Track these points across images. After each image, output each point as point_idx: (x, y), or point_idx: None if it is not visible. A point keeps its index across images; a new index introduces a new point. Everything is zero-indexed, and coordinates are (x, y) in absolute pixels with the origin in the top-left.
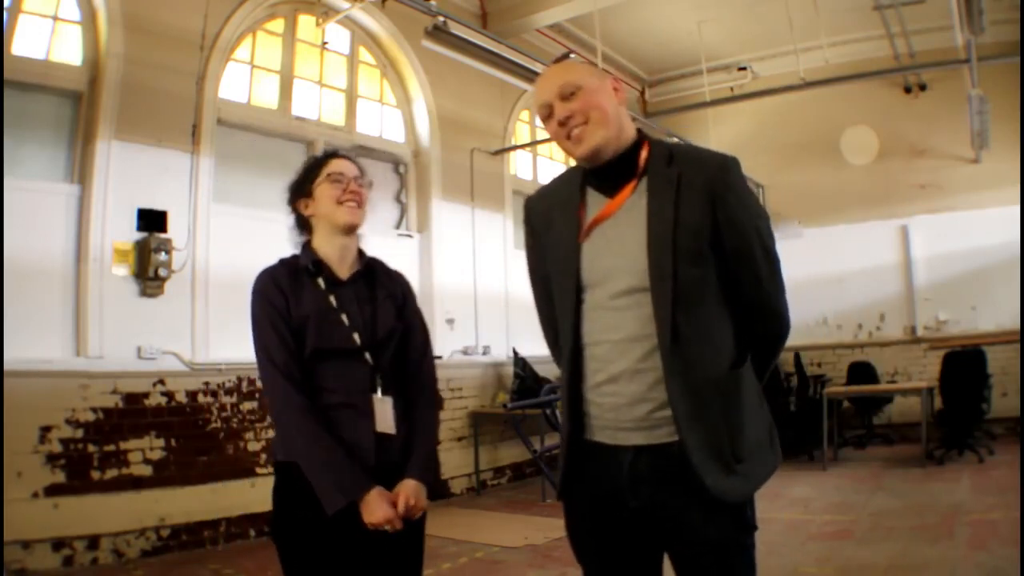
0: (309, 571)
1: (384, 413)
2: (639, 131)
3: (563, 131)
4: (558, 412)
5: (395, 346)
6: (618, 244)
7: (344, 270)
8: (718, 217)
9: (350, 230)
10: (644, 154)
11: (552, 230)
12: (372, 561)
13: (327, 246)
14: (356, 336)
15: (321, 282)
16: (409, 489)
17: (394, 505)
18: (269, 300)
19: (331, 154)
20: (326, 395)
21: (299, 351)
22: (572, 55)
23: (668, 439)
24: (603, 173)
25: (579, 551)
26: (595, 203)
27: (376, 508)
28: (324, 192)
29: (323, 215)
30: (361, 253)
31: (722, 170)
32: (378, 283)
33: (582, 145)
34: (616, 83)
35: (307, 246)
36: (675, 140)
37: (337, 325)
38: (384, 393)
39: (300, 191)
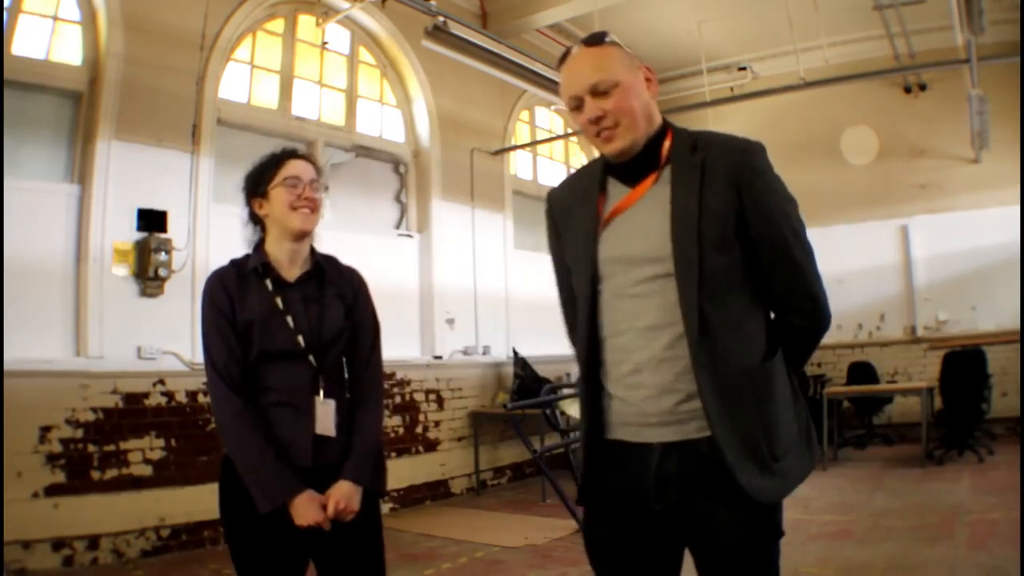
0: (255, 563)
1: (325, 415)
2: (664, 120)
3: (592, 128)
4: (558, 412)
5: (342, 346)
6: (641, 231)
7: (294, 271)
8: (744, 203)
9: (302, 236)
10: (667, 144)
11: (572, 221)
12: (322, 553)
13: (277, 248)
14: (300, 338)
15: (269, 284)
16: (340, 491)
17: (324, 507)
18: (214, 303)
19: (288, 154)
20: (269, 395)
21: (245, 353)
22: (608, 35)
23: (698, 434)
24: (626, 164)
25: (594, 557)
26: (616, 193)
27: (305, 511)
28: (279, 196)
29: (276, 219)
30: (313, 252)
31: (747, 154)
32: (328, 282)
33: (610, 146)
34: (649, 73)
35: (259, 247)
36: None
37: (282, 327)
38: (327, 395)
39: (255, 190)
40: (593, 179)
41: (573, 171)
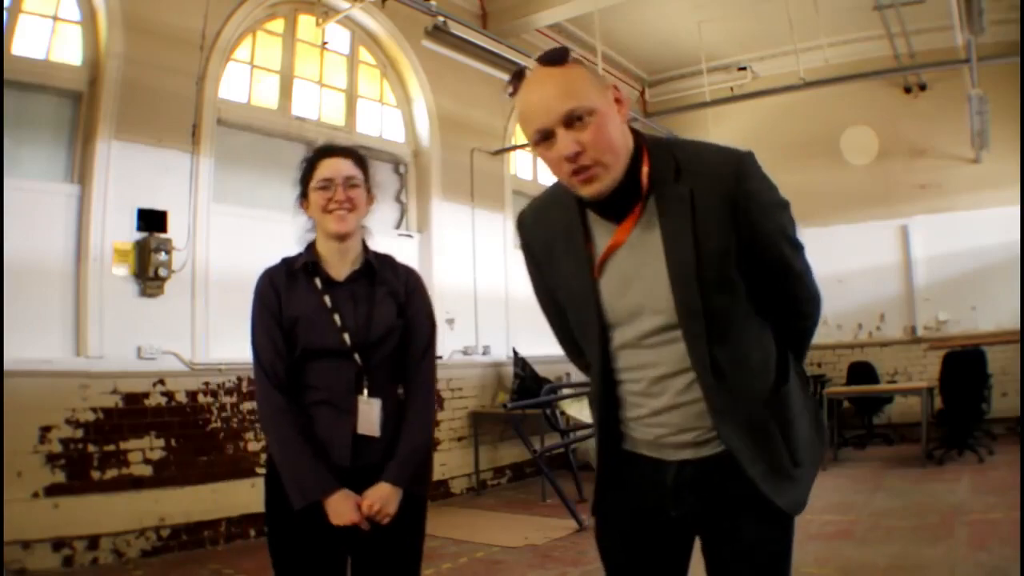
0: (294, 562)
1: (368, 415)
2: (635, 134)
3: (568, 167)
4: (558, 412)
5: (393, 345)
6: (638, 280)
7: (343, 269)
8: (742, 234)
9: (341, 238)
10: (646, 170)
11: (556, 263)
12: (359, 553)
13: (325, 247)
14: (346, 336)
15: (318, 282)
16: (377, 493)
17: (360, 507)
18: (263, 300)
19: (322, 152)
20: (311, 393)
21: (290, 350)
22: (569, 52)
23: (717, 449)
24: (604, 198)
25: (607, 559)
26: (602, 232)
27: (340, 510)
28: (314, 199)
29: (317, 221)
30: (366, 250)
31: (738, 180)
32: (379, 281)
33: (590, 188)
34: (618, 93)
35: (311, 246)
36: (674, 138)
37: (328, 325)
38: (372, 394)
39: (301, 192)
40: (570, 213)
41: (543, 192)
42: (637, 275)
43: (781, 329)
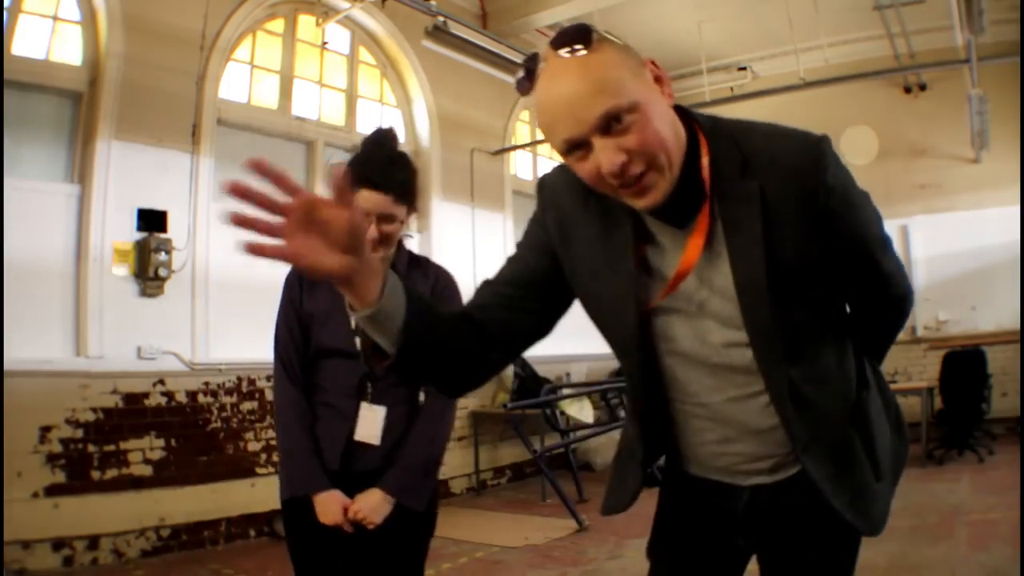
0: (314, 564)
1: (370, 422)
2: (685, 117)
3: (615, 181)
4: (558, 412)
5: None
6: (696, 292)
7: None
8: (825, 237)
9: None
10: (706, 161)
11: (576, 250)
12: (354, 561)
13: None
14: (357, 340)
15: None
16: (365, 499)
17: (346, 510)
18: (287, 294)
19: (362, 179)
20: (319, 392)
21: (307, 347)
22: (592, 29)
23: (793, 471)
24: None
25: (655, 566)
26: (664, 237)
27: (324, 508)
28: None
29: None
30: (400, 252)
31: (817, 172)
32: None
33: (646, 199)
34: (656, 70)
35: None
36: (733, 121)
37: (341, 326)
38: (377, 401)
39: None
40: (619, 211)
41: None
42: (700, 288)
43: (864, 333)
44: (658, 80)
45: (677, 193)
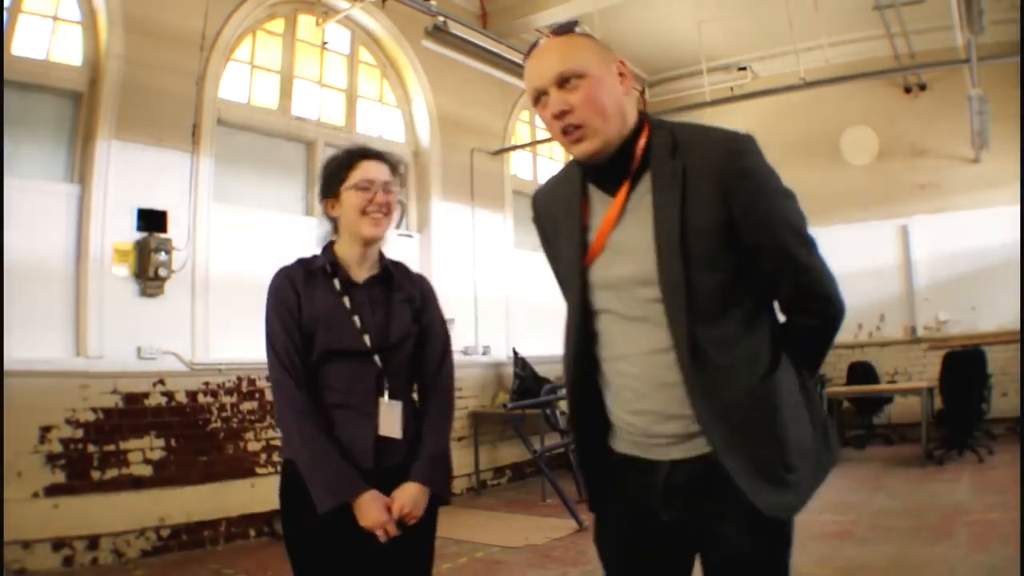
0: (316, 568)
1: (390, 417)
2: (641, 114)
3: (557, 125)
4: (558, 412)
5: (410, 350)
6: (628, 251)
7: (362, 272)
8: (735, 213)
9: (372, 242)
10: (642, 143)
11: (559, 233)
12: (378, 559)
13: (347, 250)
14: (367, 338)
15: (336, 283)
16: (407, 494)
17: (389, 509)
18: (281, 299)
19: (362, 154)
20: (331, 395)
21: (308, 351)
22: (578, 25)
23: (707, 449)
24: (602, 167)
25: (606, 562)
26: (599, 202)
27: (369, 511)
28: (350, 199)
29: (347, 223)
30: (382, 256)
31: (733, 157)
32: (395, 286)
33: (579, 147)
34: (623, 67)
35: (328, 247)
36: (679, 121)
37: (347, 326)
38: (393, 397)
39: (328, 190)
40: (573, 186)
41: (558, 171)
42: (627, 246)
43: (791, 325)
44: (622, 75)
45: (614, 163)
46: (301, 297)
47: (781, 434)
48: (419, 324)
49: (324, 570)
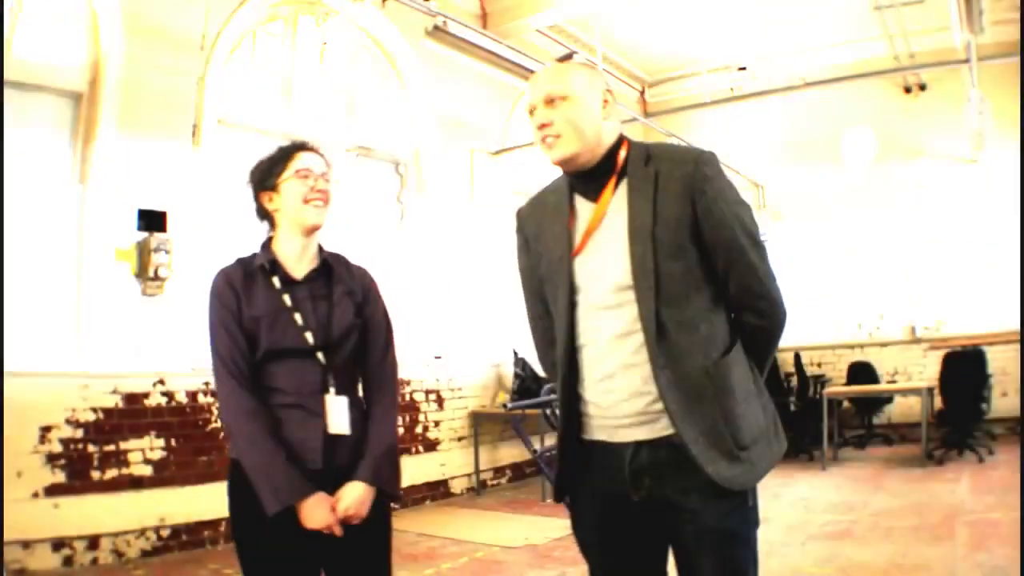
0: (266, 568)
1: (337, 414)
2: (621, 135)
3: (538, 134)
4: (558, 412)
5: (353, 345)
6: (606, 245)
7: (301, 268)
8: (697, 210)
9: (314, 231)
10: (623, 153)
11: (543, 237)
12: (330, 559)
13: (287, 244)
14: (309, 336)
15: (276, 281)
16: (350, 493)
17: (334, 510)
18: (222, 301)
19: (298, 146)
20: (277, 395)
21: (252, 351)
22: (576, 55)
23: (667, 431)
24: (585, 178)
25: (585, 548)
26: (584, 209)
27: (314, 513)
28: (290, 189)
29: (288, 213)
30: (321, 249)
31: (698, 164)
32: (336, 280)
33: (551, 152)
34: (609, 96)
35: (266, 245)
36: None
37: (289, 325)
38: (339, 393)
39: (263, 183)
40: (560, 195)
41: (542, 189)
42: (606, 242)
43: (738, 323)
44: (606, 102)
45: (594, 172)
46: (241, 298)
47: (733, 411)
48: (361, 317)
49: (274, 570)
